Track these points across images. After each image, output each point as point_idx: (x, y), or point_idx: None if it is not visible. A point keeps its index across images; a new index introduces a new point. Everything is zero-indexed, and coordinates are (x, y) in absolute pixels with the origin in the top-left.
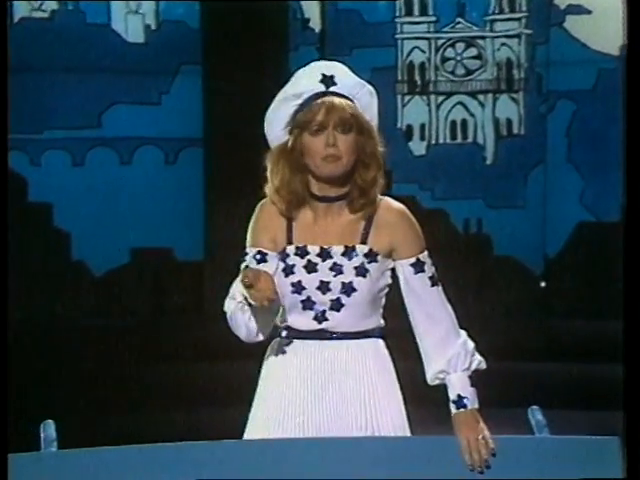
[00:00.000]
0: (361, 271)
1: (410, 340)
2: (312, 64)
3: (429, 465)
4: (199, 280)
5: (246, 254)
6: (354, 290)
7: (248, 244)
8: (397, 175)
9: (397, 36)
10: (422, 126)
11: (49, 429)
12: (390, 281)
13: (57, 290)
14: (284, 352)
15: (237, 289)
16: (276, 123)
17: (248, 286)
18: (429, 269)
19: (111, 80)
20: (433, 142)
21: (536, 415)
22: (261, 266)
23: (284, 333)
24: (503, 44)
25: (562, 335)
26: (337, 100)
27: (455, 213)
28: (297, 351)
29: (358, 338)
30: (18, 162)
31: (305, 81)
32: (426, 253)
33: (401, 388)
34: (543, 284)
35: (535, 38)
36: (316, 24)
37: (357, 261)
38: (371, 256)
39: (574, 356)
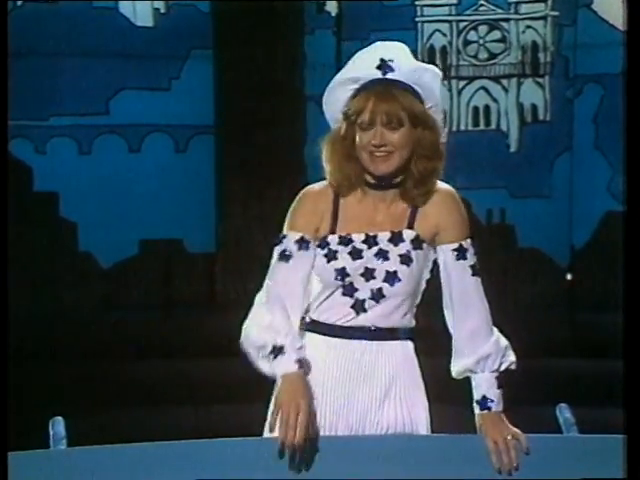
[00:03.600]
0: (405, 259)
1: (435, 339)
2: (374, 45)
3: (451, 464)
4: (210, 272)
5: (283, 237)
6: (398, 280)
7: (287, 227)
8: None
9: (417, 19)
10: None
11: (58, 426)
12: (429, 276)
13: (63, 282)
14: (310, 353)
15: (269, 334)
16: (333, 105)
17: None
18: (471, 257)
19: (119, 65)
20: (454, 129)
21: (564, 413)
22: (300, 254)
23: (309, 331)
24: (528, 26)
25: (589, 330)
26: (388, 93)
27: (477, 203)
28: (323, 351)
29: (389, 339)
30: (23, 150)
31: (362, 65)
32: (470, 241)
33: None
34: (569, 276)
35: (562, 20)
36: (332, 6)
37: (403, 248)
38: (417, 243)
39: (602, 352)
